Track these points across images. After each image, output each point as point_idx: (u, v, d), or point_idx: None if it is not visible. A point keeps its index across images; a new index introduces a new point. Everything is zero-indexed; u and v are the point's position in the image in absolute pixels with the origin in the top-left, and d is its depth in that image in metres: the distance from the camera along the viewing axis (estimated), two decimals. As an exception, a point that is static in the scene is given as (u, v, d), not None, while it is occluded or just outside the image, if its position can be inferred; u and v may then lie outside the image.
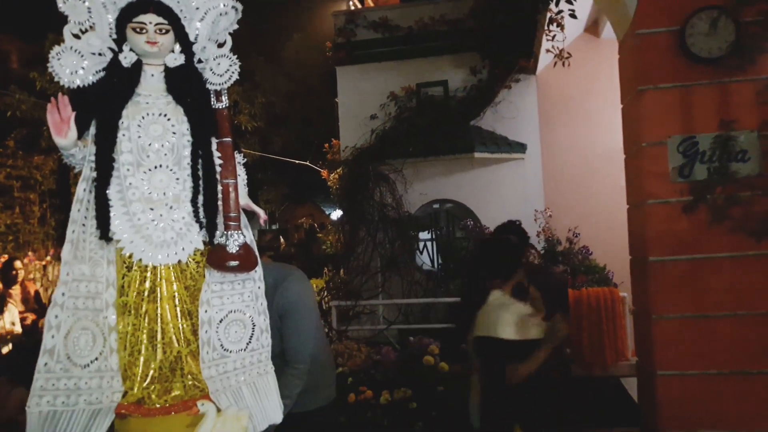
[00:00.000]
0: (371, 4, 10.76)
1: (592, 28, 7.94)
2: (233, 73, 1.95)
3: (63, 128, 1.76)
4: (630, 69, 4.29)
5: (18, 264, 6.95)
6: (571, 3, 4.92)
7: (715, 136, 3.70)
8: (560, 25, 5.73)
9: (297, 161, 14.84)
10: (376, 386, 4.62)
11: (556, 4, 5.13)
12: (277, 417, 1.98)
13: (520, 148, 8.05)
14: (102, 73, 1.87)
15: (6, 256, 12.69)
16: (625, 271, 4.74)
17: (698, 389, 3.74)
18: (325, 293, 7.59)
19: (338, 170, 8.99)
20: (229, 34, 2.02)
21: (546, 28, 5.87)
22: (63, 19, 1.85)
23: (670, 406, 3.79)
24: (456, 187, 8.10)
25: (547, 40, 5.97)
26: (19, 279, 6.81)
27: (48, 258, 14.04)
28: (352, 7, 9.46)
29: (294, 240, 17.50)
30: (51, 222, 15.52)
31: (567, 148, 8.03)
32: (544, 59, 7.53)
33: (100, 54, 1.88)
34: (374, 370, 4.94)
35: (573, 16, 5.30)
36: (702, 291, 3.75)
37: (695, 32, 3.76)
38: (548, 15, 5.89)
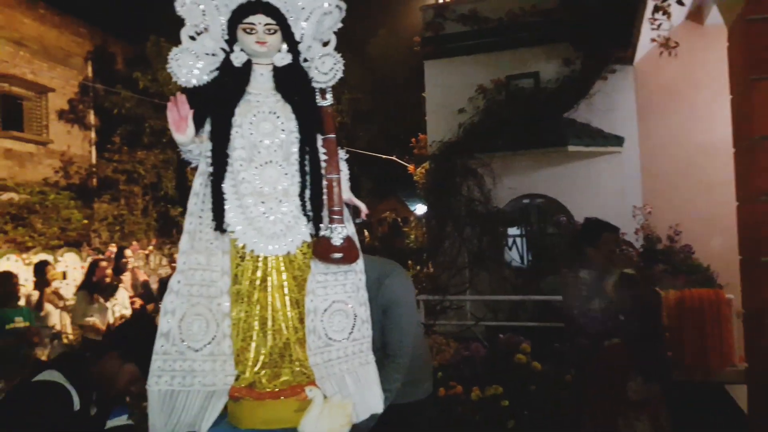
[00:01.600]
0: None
1: (696, 14, 7.45)
2: (338, 71, 2.00)
3: (182, 125, 1.86)
4: (741, 58, 3.99)
5: (128, 253, 7.46)
6: (679, -10, 4.64)
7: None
8: (666, 13, 5.41)
9: (383, 156, 14.97)
10: (464, 382, 4.61)
11: None
12: (378, 407, 2.02)
13: (617, 141, 7.72)
14: (215, 73, 1.97)
15: (115, 245, 13.67)
16: (730, 272, 4.43)
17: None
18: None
19: (425, 165, 8.99)
20: (333, 32, 2.07)
21: (651, 16, 5.57)
22: (165, 22, 1.96)
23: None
24: (548, 181, 7.89)
25: (652, 29, 5.66)
26: (129, 267, 7.31)
27: (150, 248, 14.96)
28: (441, 1, 9.39)
29: (378, 234, 17.69)
30: (152, 213, 16.53)
31: (667, 141, 7.61)
32: (643, 48, 7.17)
33: (213, 54, 1.98)
34: (463, 366, 4.92)
35: (680, 2, 5.00)
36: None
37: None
38: (652, 3, 5.58)
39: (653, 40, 6.11)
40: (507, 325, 6.29)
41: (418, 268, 7.94)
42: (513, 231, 8.33)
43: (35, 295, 6.43)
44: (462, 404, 4.39)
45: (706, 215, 6.51)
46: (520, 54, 8.28)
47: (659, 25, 5.58)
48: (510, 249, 8.20)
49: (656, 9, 5.46)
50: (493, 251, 7.54)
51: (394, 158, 13.93)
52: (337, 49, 2.05)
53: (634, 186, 7.69)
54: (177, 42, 1.97)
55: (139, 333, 2.39)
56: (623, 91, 7.79)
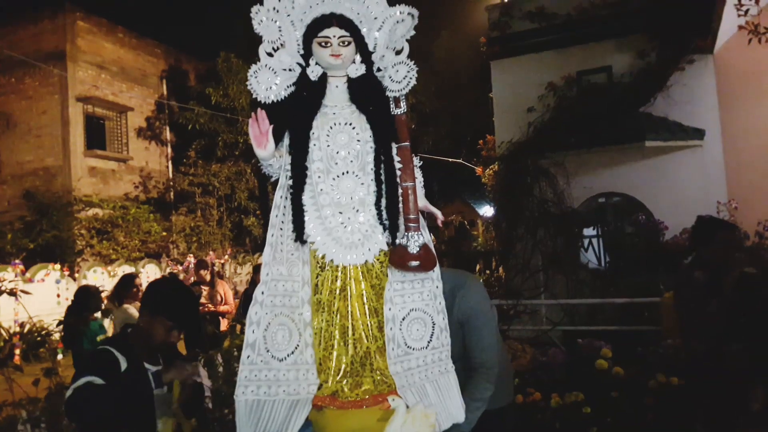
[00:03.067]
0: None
1: (782, -4, 7.01)
2: (411, 78, 2.00)
3: (262, 140, 1.91)
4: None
5: (209, 262, 7.73)
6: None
7: None
8: None
9: (450, 159, 14.88)
10: (543, 388, 4.48)
11: None
12: (460, 416, 1.99)
13: (698, 134, 7.34)
14: (292, 88, 2.00)
15: (192, 255, 14.22)
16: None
17: None
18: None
19: (493, 166, 8.87)
20: (406, 41, 2.07)
21: (737, 1, 5.25)
22: (235, 38, 2.01)
23: None
24: (624, 179, 7.59)
25: (739, 15, 5.33)
26: (209, 277, 7.59)
27: (226, 257, 15.48)
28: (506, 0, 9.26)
29: (444, 237, 17.59)
30: (227, 224, 17.11)
31: (752, 132, 7.18)
32: (724, 36, 6.79)
33: (290, 70, 2.02)
34: (541, 372, 4.79)
35: None
36: None
37: None
38: None
39: (740, 27, 5.75)
40: (585, 330, 6.08)
41: (488, 272, 7.82)
42: (589, 231, 8.05)
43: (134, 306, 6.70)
44: (541, 411, 4.27)
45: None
46: (591, 48, 8.03)
47: (747, 11, 5.24)
48: (586, 250, 7.93)
49: None
50: (568, 253, 7.30)
51: (461, 161, 13.81)
52: (408, 56, 2.05)
53: (717, 181, 7.28)
54: (246, 57, 2.03)
55: (160, 288, 2.57)
56: (703, 81, 7.41)
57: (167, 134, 18.05)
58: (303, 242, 1.91)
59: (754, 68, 7.10)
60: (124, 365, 2.25)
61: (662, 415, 4.07)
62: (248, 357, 1.88)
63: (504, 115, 8.55)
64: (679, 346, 4.88)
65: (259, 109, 1.92)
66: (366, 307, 1.91)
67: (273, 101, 1.98)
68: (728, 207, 6.21)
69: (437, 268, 2.04)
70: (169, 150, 18.14)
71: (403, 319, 1.96)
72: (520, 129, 7.71)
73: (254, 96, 1.98)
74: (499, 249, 7.97)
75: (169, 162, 18.10)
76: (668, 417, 4.04)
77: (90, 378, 2.14)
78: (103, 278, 11.58)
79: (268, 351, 1.89)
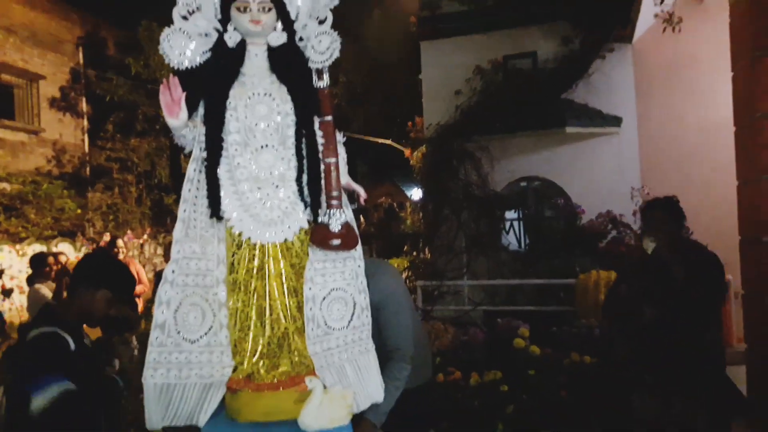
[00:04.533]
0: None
1: (695, -10, 7.38)
2: (335, 50, 1.94)
3: (174, 109, 1.80)
4: (743, 34, 3.94)
5: (120, 243, 7.38)
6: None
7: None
8: None
9: (379, 140, 14.86)
10: (463, 367, 4.58)
11: None
12: (378, 395, 1.98)
13: (615, 121, 7.66)
14: (208, 54, 1.90)
15: (108, 234, 13.58)
16: (728, 252, 4.41)
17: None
18: (410, 273, 7.61)
19: (421, 149, 8.92)
20: (330, 10, 2.00)
21: None
22: (158, 5, 1.90)
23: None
24: (545, 163, 7.84)
25: (655, 4, 5.58)
26: (121, 257, 7.23)
27: (145, 237, 14.89)
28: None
29: (374, 219, 17.64)
30: (147, 202, 16.43)
31: (666, 121, 7.55)
32: (642, 26, 7.07)
33: (206, 35, 1.91)
34: (462, 351, 4.90)
35: None
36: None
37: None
38: None
39: (656, 15, 6.02)
40: (505, 310, 6.27)
41: (415, 253, 7.90)
42: (511, 214, 8.28)
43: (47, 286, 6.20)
44: (461, 390, 4.37)
45: (705, 195, 6.45)
46: (518, 33, 8.16)
47: (662, 1, 5.49)
48: (507, 233, 8.16)
49: None
50: (490, 235, 7.49)
51: (390, 142, 13.82)
52: (333, 28, 1.98)
53: (632, 167, 7.65)
54: (170, 26, 1.90)
55: (100, 261, 2.59)
56: (622, 70, 7.72)
57: (83, 106, 16.99)
58: (219, 219, 1.82)
59: (669, 59, 7.46)
60: (72, 345, 2.18)
61: (575, 392, 4.25)
62: (157, 338, 1.79)
63: (433, 97, 8.59)
64: (593, 324, 5.13)
65: (171, 75, 1.80)
66: (285, 286, 1.85)
67: (187, 68, 1.86)
68: (641, 192, 6.52)
69: (359, 247, 2.00)
70: (85, 122, 17.11)
71: (324, 299, 1.92)
72: (448, 112, 7.80)
73: (166, 61, 1.86)
74: (425, 231, 8.07)
75: (85, 135, 17.08)
76: (581, 393, 4.24)
77: (63, 386, 2.06)
78: (11, 257, 10.88)
79: (179, 332, 1.80)
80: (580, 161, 7.71)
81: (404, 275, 7.81)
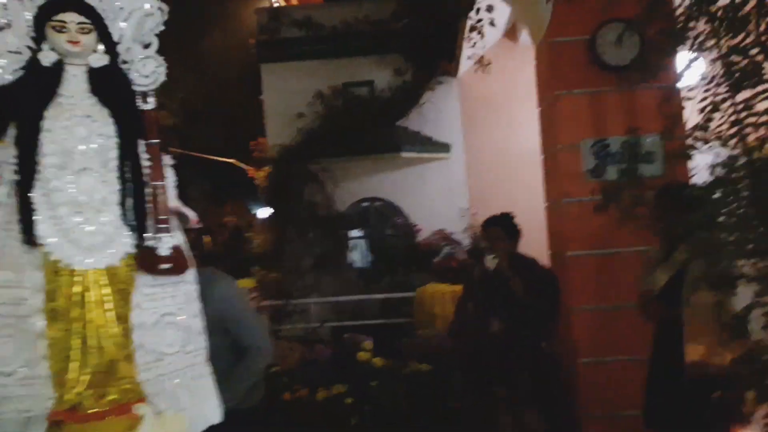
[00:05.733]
0: (295, 2, 10.70)
1: (511, 33, 8.19)
2: (159, 74, 1.93)
3: None
4: (546, 75, 4.51)
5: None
6: (490, 12, 5.09)
7: (624, 140, 3.93)
8: (480, 33, 5.93)
9: (220, 159, 14.50)
10: (312, 384, 4.65)
11: (477, 13, 5.31)
12: (215, 417, 1.97)
13: (445, 148, 8.27)
14: (21, 72, 1.81)
15: None
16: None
17: (616, 375, 3.94)
18: (258, 293, 7.52)
19: (266, 168, 8.91)
20: (155, 35, 2.00)
21: (467, 35, 6.07)
22: None
23: (592, 390, 3.98)
24: (384, 185, 8.24)
25: (469, 47, 6.17)
26: None
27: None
28: (276, 4, 9.36)
29: (219, 240, 17.04)
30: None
31: (489, 149, 8.30)
32: (466, 63, 7.75)
33: (17, 52, 1.82)
34: (309, 368, 4.96)
35: (492, 24, 5.50)
36: (614, 284, 3.99)
37: (604, 42, 4.01)
38: (468, 23, 6.07)
39: (469, 57, 6.63)
40: (351, 325, 6.46)
41: (263, 272, 7.84)
42: (355, 233, 8.55)
43: None
44: (307, 406, 4.43)
45: (522, 216, 7.15)
46: (356, 62, 8.54)
47: (474, 44, 6.08)
48: (352, 251, 8.42)
49: (472, 28, 5.96)
50: (336, 253, 7.68)
51: (233, 161, 13.55)
52: (166, 46, 1.98)
53: (461, 189, 8.28)
54: None
55: None
56: (449, 101, 8.37)
57: None
58: (33, 244, 1.73)
59: (490, 93, 8.23)
60: None
61: (414, 399, 4.50)
62: None
63: (275, 118, 8.66)
64: (428, 335, 5.44)
65: None
66: (109, 314, 1.79)
67: None
68: (469, 213, 7.08)
69: (192, 271, 2.00)
70: None
71: (154, 325, 1.88)
72: (291, 133, 7.93)
73: None
74: (272, 250, 8.05)
75: None
76: (419, 400, 4.50)
77: None
78: None
79: None
80: (415, 183, 8.21)
81: (251, 296, 7.70)
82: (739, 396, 2.26)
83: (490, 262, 3.68)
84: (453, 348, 4.69)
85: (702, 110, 2.23)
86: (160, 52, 1.97)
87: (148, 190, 1.88)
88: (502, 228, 3.75)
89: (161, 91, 1.94)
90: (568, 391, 3.79)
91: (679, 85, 3.03)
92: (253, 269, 8.19)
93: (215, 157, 14.72)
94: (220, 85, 17.35)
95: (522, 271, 3.59)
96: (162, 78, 1.94)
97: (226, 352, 2.14)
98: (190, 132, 16.94)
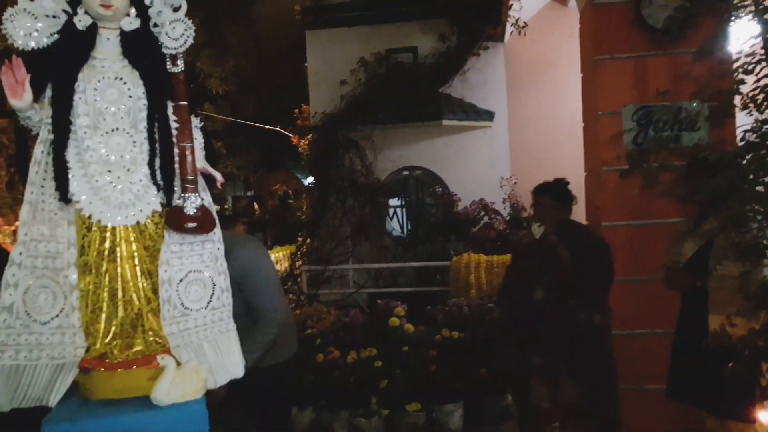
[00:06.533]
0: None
1: (561, -4, 7.98)
2: (188, 37, 1.98)
3: (18, 90, 1.78)
4: (588, 39, 4.38)
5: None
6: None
7: (666, 106, 3.80)
8: None
9: (267, 127, 14.67)
10: (344, 347, 4.76)
11: None
12: (238, 372, 2.05)
13: (488, 116, 8.14)
14: (57, 36, 1.88)
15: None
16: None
17: (648, 347, 3.88)
18: (298, 258, 7.70)
19: (308, 136, 9.00)
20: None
21: None
22: None
23: (623, 364, 3.91)
24: (425, 154, 8.20)
25: (516, 11, 6.02)
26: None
27: (17, 223, 13.77)
28: (321, -30, 9.30)
29: (269, 207, 17.40)
30: (19, 187, 15.19)
31: (533, 117, 8.14)
32: (512, 27, 7.56)
33: (54, 16, 1.89)
34: (342, 332, 5.07)
35: None
36: (650, 255, 3.88)
37: (650, 4, 3.84)
38: None
39: (507, 19, 6.47)
40: (387, 291, 6.54)
41: (308, 240, 8.00)
42: (394, 202, 8.59)
43: None
44: (338, 368, 4.55)
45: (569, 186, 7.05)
46: (399, 28, 8.44)
47: (522, 7, 5.92)
48: (391, 219, 8.47)
49: None
50: (374, 221, 7.74)
51: (278, 129, 13.71)
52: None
53: (502, 158, 8.18)
54: (14, 6, 1.86)
55: None
56: (494, 68, 8.21)
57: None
58: (68, 201, 1.83)
59: (536, 59, 8.03)
60: None
61: (444, 365, 4.56)
62: (5, 321, 1.78)
63: (318, 85, 8.68)
64: (462, 303, 5.46)
65: (14, 56, 1.78)
66: (138, 269, 1.88)
67: (34, 49, 1.84)
68: (510, 182, 7.00)
69: (218, 230, 2.07)
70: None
71: (181, 281, 1.96)
72: (333, 101, 7.94)
73: (10, 42, 1.83)
74: (312, 217, 8.18)
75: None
76: (449, 366, 4.55)
77: None
78: None
79: (28, 314, 1.80)
80: (456, 152, 8.13)
81: (292, 260, 7.91)
82: (755, 368, 2.20)
83: (536, 230, 3.59)
84: (497, 316, 4.68)
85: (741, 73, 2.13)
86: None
87: (176, 151, 1.95)
88: (551, 194, 3.57)
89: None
90: (614, 367, 3.57)
91: (727, 50, 2.88)
92: (299, 237, 8.38)
93: (261, 125, 14.90)
94: (270, 53, 17.44)
95: (571, 239, 3.43)
96: (191, 41, 1.98)
97: (241, 314, 2.20)
98: (241, 100, 17.18)
